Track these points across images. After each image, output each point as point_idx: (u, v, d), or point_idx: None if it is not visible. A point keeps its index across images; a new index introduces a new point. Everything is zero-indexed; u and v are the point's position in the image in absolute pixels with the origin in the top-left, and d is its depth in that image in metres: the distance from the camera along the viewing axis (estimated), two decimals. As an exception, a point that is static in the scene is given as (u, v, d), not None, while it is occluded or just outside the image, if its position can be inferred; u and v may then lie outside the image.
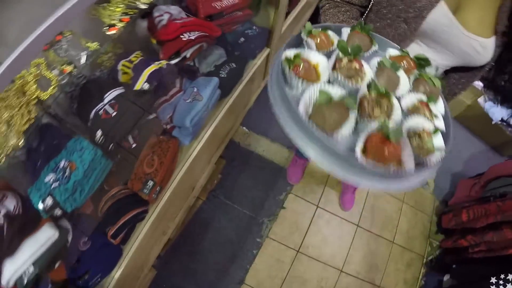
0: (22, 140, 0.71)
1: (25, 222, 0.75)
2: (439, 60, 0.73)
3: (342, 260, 1.63)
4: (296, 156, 1.69)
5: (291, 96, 0.52)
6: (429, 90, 0.60)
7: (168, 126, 1.16)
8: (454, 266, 1.56)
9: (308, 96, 0.53)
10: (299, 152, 1.64)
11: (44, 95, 0.74)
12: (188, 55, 1.03)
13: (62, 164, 0.79)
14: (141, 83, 0.92)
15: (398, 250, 1.72)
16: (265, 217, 1.66)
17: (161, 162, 1.08)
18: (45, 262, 0.78)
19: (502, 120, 2.18)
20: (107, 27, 0.82)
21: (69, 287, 0.95)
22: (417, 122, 0.54)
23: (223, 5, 1.03)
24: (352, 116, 0.52)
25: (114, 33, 0.83)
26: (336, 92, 0.54)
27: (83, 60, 0.79)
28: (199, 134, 1.24)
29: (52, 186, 0.77)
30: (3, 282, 0.74)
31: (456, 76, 0.79)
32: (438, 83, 0.60)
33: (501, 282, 1.28)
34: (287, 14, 1.59)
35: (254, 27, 1.30)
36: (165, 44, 0.99)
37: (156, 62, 0.95)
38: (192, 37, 0.99)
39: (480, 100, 2.22)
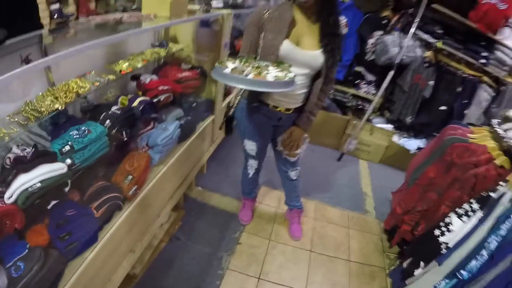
0: (64, 106, 1.19)
1: (45, 154, 1.09)
2: (300, 71, 1.50)
3: (304, 281, 1.77)
4: (244, 199, 2.11)
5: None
6: (282, 68, 1.36)
7: (144, 150, 1.64)
8: (405, 247, 1.82)
9: (228, 69, 1.24)
10: (245, 194, 2.10)
11: (82, 91, 1.29)
12: (162, 99, 1.70)
13: (82, 128, 1.22)
14: (136, 104, 1.52)
15: (357, 266, 1.93)
16: (223, 252, 1.84)
17: (139, 164, 1.49)
18: (49, 185, 1.04)
19: (419, 148, 2.85)
20: (119, 71, 1.50)
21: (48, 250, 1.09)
22: (275, 74, 1.27)
23: (182, 75, 1.84)
24: (244, 72, 1.23)
25: (124, 74, 1.50)
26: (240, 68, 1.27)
27: (105, 82, 1.40)
28: (164, 161, 1.71)
29: (74, 137, 1.17)
30: (8, 193, 0.98)
31: (319, 81, 1.56)
32: (287, 66, 1.37)
33: (443, 228, 1.52)
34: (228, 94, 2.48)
35: (203, 98, 2.09)
36: (148, 91, 1.67)
37: (143, 97, 1.59)
38: (165, 88, 1.70)
39: (395, 138, 2.98)
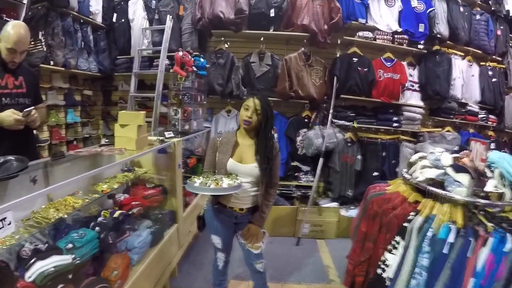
0: (66, 215, 1.72)
1: (54, 249, 1.55)
2: (245, 179, 2.15)
3: None
4: (214, 285, 2.45)
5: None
6: (231, 178, 2.06)
7: (124, 252, 2.08)
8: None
9: (197, 183, 1.95)
10: (216, 286, 2.46)
11: (77, 205, 1.84)
12: (135, 211, 2.26)
13: (80, 232, 1.72)
14: (116, 216, 2.06)
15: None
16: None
17: (122, 262, 1.93)
18: (59, 270, 1.46)
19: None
20: (101, 191, 2.10)
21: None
22: (228, 182, 1.98)
23: (148, 193, 2.46)
24: (208, 184, 1.94)
25: (105, 193, 2.09)
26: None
27: (92, 200, 1.98)
28: (141, 261, 2.13)
29: (75, 238, 1.66)
30: (28, 273, 1.38)
31: (262, 186, 2.27)
32: (234, 176, 2.06)
33: (382, 266, 1.94)
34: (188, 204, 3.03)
35: (167, 210, 2.65)
36: (123, 206, 2.23)
37: (120, 210, 2.15)
38: (136, 203, 2.30)
39: (343, 212, 3.50)
